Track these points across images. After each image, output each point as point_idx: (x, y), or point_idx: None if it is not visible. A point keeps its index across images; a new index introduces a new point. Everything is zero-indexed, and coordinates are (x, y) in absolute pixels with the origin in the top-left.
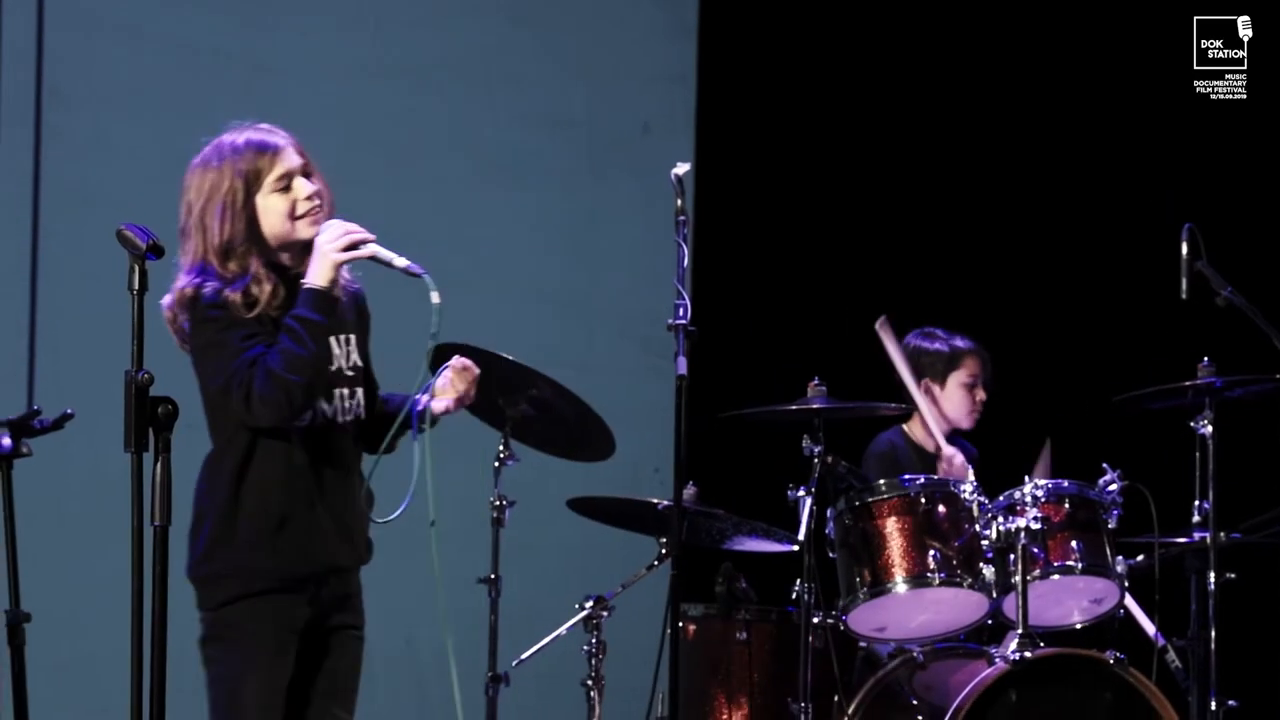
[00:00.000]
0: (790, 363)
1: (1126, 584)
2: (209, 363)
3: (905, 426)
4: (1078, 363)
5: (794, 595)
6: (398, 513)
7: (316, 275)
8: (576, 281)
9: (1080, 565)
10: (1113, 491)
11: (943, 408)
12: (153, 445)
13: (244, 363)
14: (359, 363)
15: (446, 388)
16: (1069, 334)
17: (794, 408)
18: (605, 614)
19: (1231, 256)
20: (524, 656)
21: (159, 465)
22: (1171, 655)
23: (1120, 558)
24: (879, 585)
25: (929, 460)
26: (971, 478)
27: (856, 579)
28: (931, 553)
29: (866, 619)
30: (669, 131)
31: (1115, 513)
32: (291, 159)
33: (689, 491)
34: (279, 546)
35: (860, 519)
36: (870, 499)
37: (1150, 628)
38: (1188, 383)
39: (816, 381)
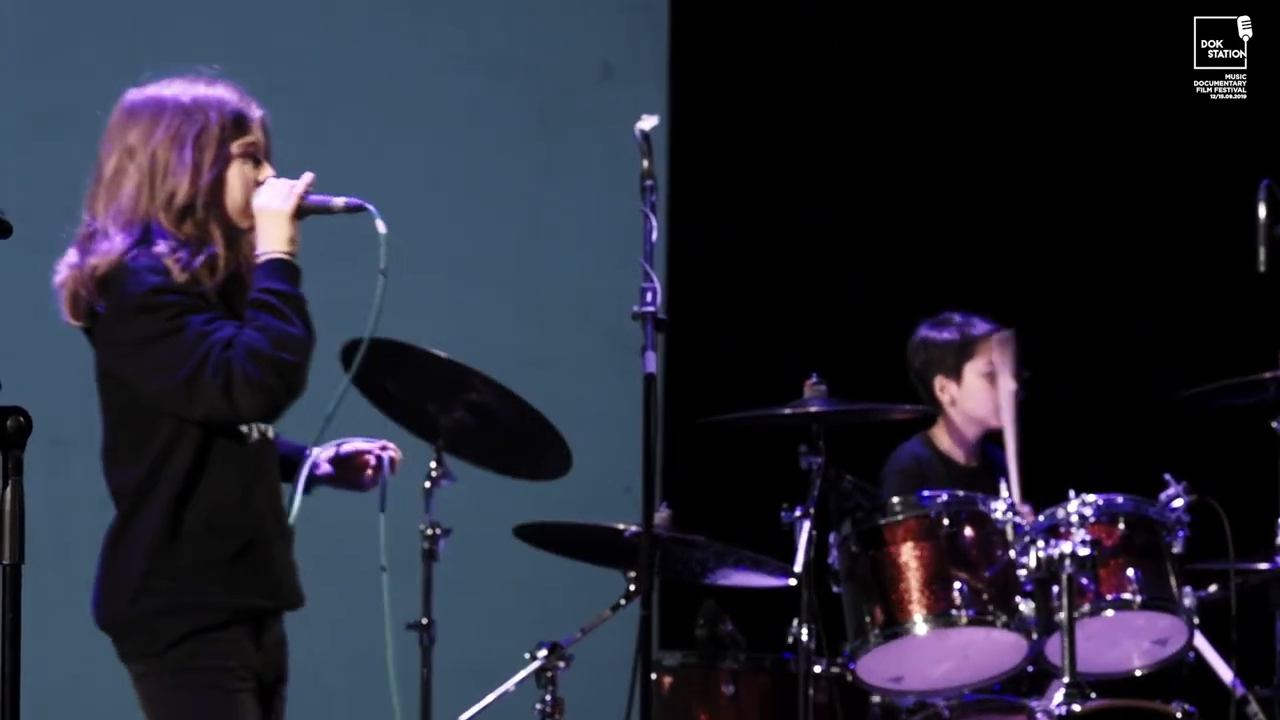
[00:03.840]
0: (783, 357)
1: (1197, 621)
2: (159, 354)
3: (930, 433)
4: (1133, 353)
5: (790, 639)
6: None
7: (276, 241)
8: (522, 260)
9: (1139, 599)
10: (1178, 509)
11: (964, 406)
12: (0, 466)
13: (216, 345)
14: None
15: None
16: (1119, 321)
17: (788, 412)
18: (562, 665)
19: (1230, 257)
20: (464, 717)
21: (9, 490)
22: (1254, 707)
23: (1188, 589)
24: (894, 625)
25: (960, 475)
26: (1006, 493)
27: (866, 618)
28: (957, 585)
29: (879, 667)
30: (634, 75)
31: (1181, 534)
32: (261, 134)
33: (662, 515)
34: (235, 576)
35: (870, 546)
36: (882, 521)
37: (1227, 674)
38: (1268, 374)
39: (815, 379)
